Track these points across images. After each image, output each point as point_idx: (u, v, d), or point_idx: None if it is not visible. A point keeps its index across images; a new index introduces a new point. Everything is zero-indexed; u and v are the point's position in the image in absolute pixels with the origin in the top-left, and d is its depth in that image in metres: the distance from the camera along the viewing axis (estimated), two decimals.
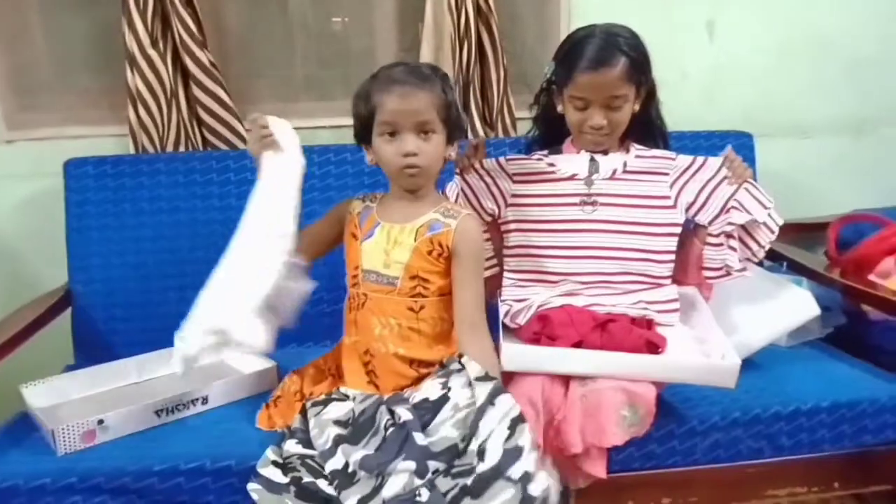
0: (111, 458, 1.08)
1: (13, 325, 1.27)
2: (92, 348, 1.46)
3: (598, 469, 1.06)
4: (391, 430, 1.01)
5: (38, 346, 1.32)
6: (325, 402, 1.10)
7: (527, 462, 0.94)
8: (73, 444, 1.09)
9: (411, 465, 0.95)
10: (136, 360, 1.35)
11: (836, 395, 1.20)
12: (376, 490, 0.95)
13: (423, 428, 1.00)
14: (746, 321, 1.28)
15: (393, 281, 1.13)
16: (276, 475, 0.99)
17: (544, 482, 0.94)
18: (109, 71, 1.61)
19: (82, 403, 1.24)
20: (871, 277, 1.48)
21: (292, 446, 1.02)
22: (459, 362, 1.08)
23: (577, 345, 1.09)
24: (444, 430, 0.99)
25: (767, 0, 1.81)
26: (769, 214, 1.23)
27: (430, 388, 1.06)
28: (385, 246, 1.14)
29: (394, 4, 1.76)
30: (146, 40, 1.52)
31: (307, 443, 1.03)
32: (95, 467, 1.06)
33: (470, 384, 1.04)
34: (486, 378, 1.04)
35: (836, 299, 1.46)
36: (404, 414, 1.02)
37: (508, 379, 1.10)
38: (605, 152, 1.25)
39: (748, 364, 1.23)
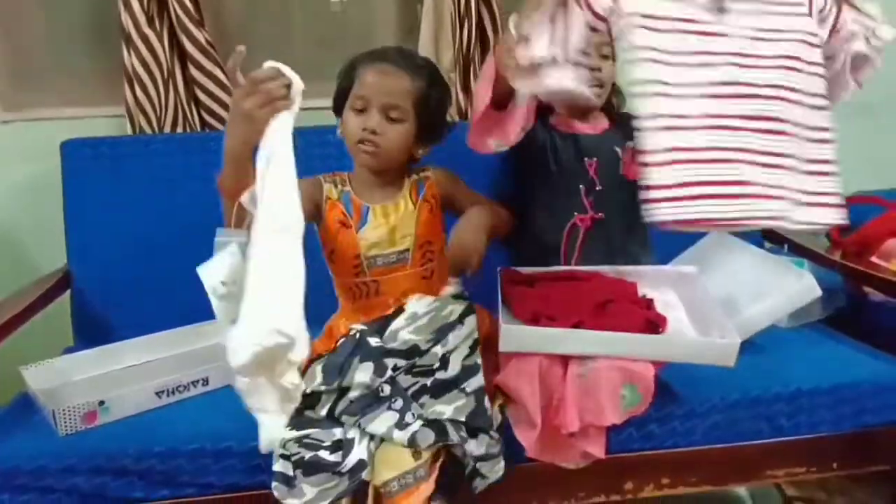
0: (112, 439, 1.09)
1: (12, 307, 1.27)
2: (91, 330, 1.46)
3: (596, 449, 1.06)
4: (342, 340, 1.08)
5: (38, 329, 1.32)
6: None
7: (481, 379, 1.04)
8: (74, 424, 1.10)
9: (369, 365, 1.01)
10: (136, 341, 1.34)
11: (836, 377, 1.20)
12: (342, 394, 1.02)
13: (379, 334, 1.07)
14: (747, 302, 1.27)
15: (404, 255, 1.15)
16: (288, 468, 1.00)
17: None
18: (105, 51, 1.60)
19: (83, 385, 1.24)
20: (874, 259, 1.48)
21: (287, 433, 1.02)
22: None
23: (577, 325, 1.09)
24: (403, 335, 1.06)
25: None
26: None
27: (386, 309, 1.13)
28: (389, 224, 1.16)
29: None
30: (142, 19, 1.50)
31: (297, 425, 1.03)
32: (96, 448, 1.06)
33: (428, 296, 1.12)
34: (460, 297, 1.13)
35: (838, 281, 1.46)
36: (359, 326, 1.09)
37: (507, 358, 1.09)
38: None
39: (748, 345, 1.22)
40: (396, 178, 1.20)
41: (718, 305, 1.16)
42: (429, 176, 1.21)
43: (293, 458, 0.99)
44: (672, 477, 1.18)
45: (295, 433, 1.02)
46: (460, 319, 1.07)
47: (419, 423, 0.99)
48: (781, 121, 0.97)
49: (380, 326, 1.09)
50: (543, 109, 1.34)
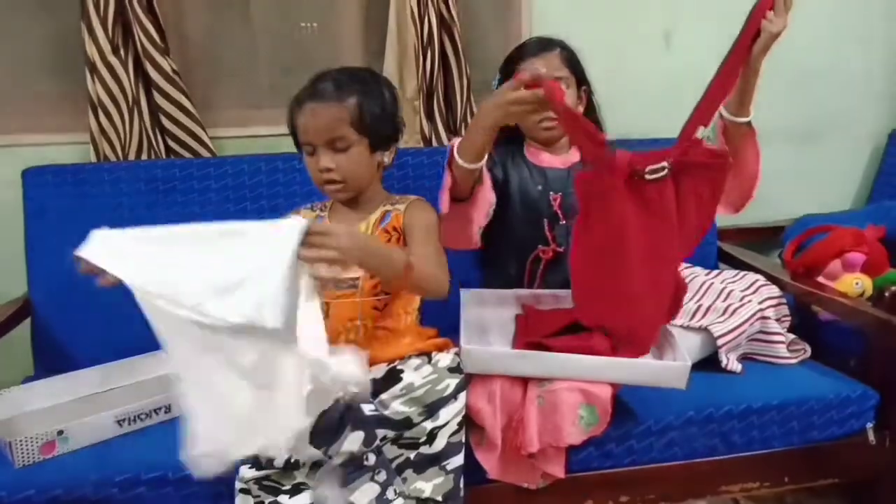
0: (71, 469, 1.07)
1: None
2: (52, 359, 1.44)
3: (556, 469, 1.09)
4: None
5: None
6: None
7: (461, 458, 1.04)
8: (32, 455, 1.08)
9: (360, 434, 0.99)
10: (96, 369, 1.33)
11: (785, 394, 1.24)
12: (326, 460, 0.99)
13: (372, 397, 1.04)
14: None
15: (354, 283, 1.15)
16: (248, 502, 1.01)
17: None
18: (69, 78, 1.60)
19: (41, 414, 1.22)
20: (820, 279, 1.54)
21: (247, 472, 1.02)
22: (428, 357, 1.11)
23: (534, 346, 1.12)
24: (396, 405, 1.03)
25: (723, 12, 1.86)
26: None
27: (377, 370, 1.10)
28: None
29: (359, 12, 1.78)
30: (107, 47, 1.51)
31: (259, 464, 1.03)
32: (54, 479, 1.05)
33: (425, 365, 1.09)
34: (456, 370, 1.09)
35: (789, 300, 1.52)
36: (351, 386, 1.03)
37: (468, 379, 1.12)
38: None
39: (701, 365, 1.27)
40: (370, 202, 1.20)
41: (670, 331, 1.20)
42: (400, 209, 1.18)
43: (254, 500, 1.00)
44: (631, 494, 1.20)
45: (254, 472, 1.01)
46: (454, 395, 1.06)
47: (400, 500, 0.99)
48: None
49: (373, 391, 1.04)
50: (515, 141, 1.39)
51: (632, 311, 1.11)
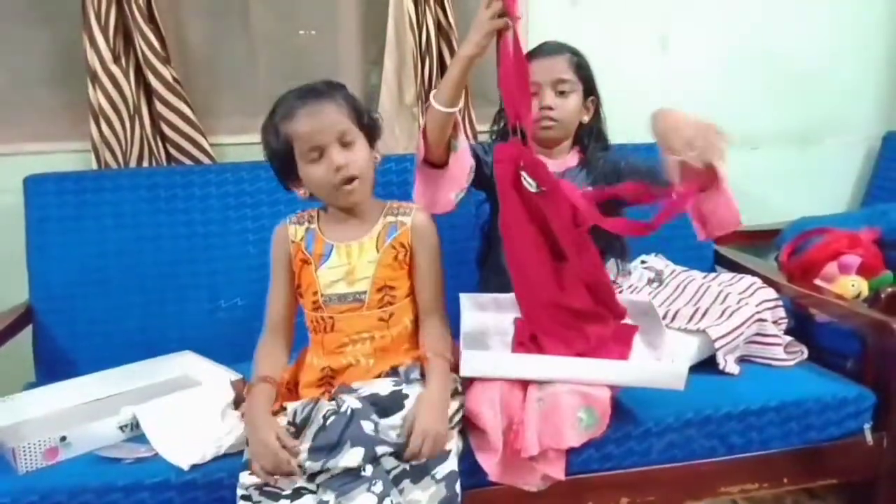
0: (74, 474, 1.08)
1: None
2: (53, 365, 1.45)
3: (556, 471, 1.09)
4: (332, 418, 1.03)
5: None
6: None
7: (451, 465, 1.04)
8: (35, 461, 1.09)
9: (360, 450, 0.99)
10: (98, 375, 1.34)
11: (783, 395, 1.25)
12: (325, 470, 1.00)
13: (375, 414, 1.04)
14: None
15: (360, 297, 1.14)
16: None
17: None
18: (70, 86, 1.61)
19: (44, 421, 1.23)
20: (817, 282, 1.55)
21: (246, 478, 1.03)
22: (420, 371, 1.12)
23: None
24: (393, 434, 1.04)
25: (718, 16, 1.90)
26: None
27: (381, 385, 1.09)
28: (347, 266, 1.14)
29: (357, 19, 1.80)
30: (108, 56, 1.52)
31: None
32: (57, 485, 1.05)
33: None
34: (456, 394, 1.11)
35: (786, 303, 1.53)
36: (351, 402, 1.04)
37: (468, 383, 1.13)
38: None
39: (699, 367, 1.28)
40: (367, 211, 1.17)
41: (668, 333, 1.20)
42: (405, 222, 1.16)
43: None
44: (631, 496, 1.21)
45: (255, 479, 1.02)
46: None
47: None
48: None
49: (378, 411, 1.05)
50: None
51: (548, 291, 1.14)
